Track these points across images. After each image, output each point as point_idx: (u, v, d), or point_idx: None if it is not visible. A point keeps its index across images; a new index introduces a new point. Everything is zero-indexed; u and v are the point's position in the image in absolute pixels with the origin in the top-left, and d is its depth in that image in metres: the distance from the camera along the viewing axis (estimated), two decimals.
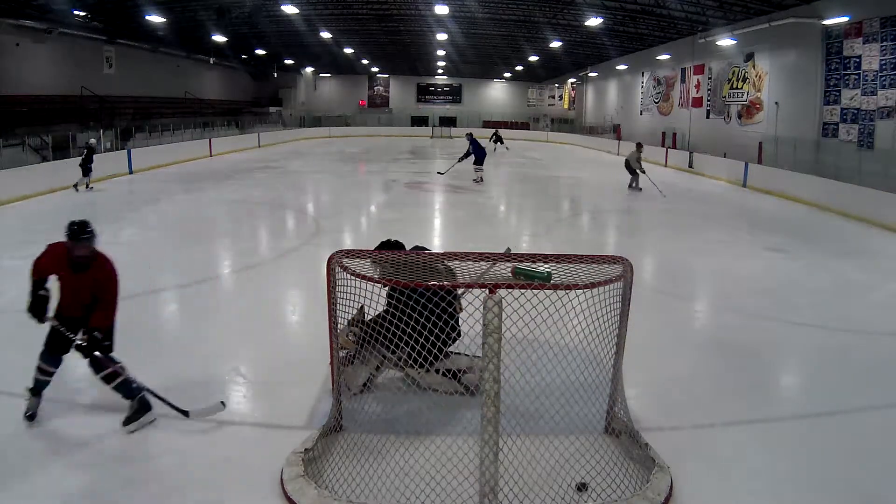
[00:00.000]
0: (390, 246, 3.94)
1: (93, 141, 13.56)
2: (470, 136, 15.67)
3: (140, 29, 21.95)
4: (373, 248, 3.96)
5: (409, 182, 15.84)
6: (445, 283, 3.18)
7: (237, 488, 3.00)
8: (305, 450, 3.16)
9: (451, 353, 3.85)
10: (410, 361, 3.57)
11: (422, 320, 3.08)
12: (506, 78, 42.96)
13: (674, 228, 10.69)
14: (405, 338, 3.13)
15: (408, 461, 3.04)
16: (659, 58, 23.83)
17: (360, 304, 3.31)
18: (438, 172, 16.34)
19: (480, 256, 3.35)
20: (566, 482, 2.97)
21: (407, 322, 3.10)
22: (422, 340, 3.07)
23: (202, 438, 3.46)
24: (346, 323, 3.61)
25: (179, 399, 3.87)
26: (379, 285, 3.08)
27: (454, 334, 3.58)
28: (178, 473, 3.10)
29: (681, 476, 3.08)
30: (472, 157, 15.07)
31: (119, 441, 3.39)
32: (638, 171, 14.54)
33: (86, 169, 12.82)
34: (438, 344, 3.11)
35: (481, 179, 15.10)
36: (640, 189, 14.34)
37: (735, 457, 3.36)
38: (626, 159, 15.06)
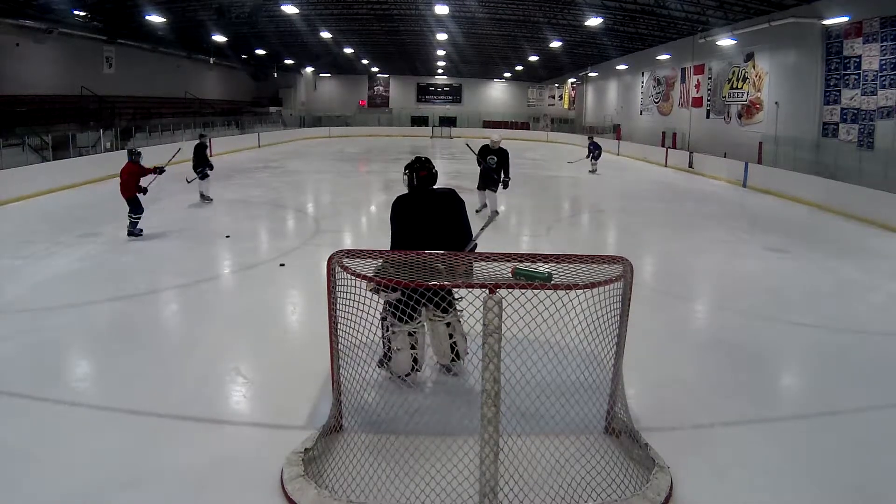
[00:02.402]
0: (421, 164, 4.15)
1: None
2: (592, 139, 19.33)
3: (140, 29, 21.94)
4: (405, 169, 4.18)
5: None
6: (445, 283, 3.18)
7: (237, 488, 2.99)
8: (305, 450, 3.16)
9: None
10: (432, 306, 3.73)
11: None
12: (506, 78, 42.95)
13: (674, 228, 10.68)
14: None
15: (408, 461, 3.05)
16: (659, 58, 23.83)
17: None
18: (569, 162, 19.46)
19: (481, 256, 3.35)
20: (566, 482, 2.97)
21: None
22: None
23: (202, 438, 3.46)
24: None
25: (179, 398, 3.89)
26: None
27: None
28: (178, 473, 3.10)
29: (681, 476, 3.08)
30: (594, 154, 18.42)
31: (118, 441, 3.39)
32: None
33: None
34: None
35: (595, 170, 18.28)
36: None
37: (735, 457, 3.36)
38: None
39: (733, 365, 4.65)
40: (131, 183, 8.38)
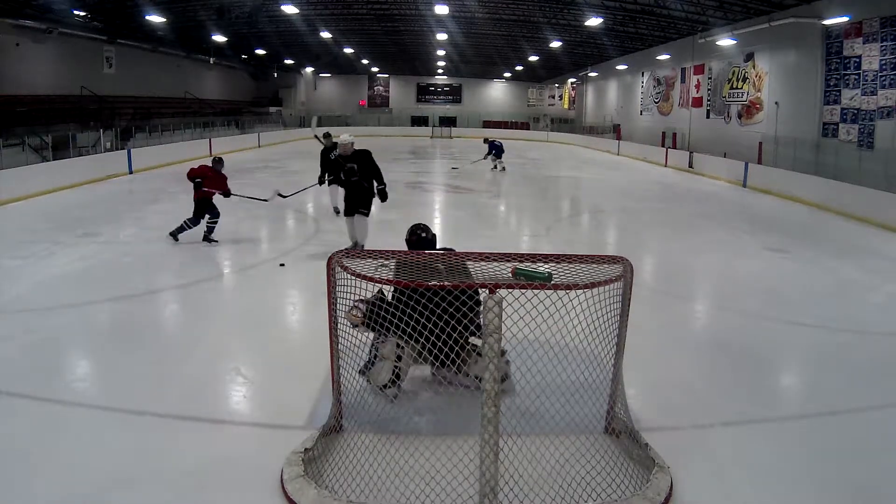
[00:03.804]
0: (420, 241, 4.18)
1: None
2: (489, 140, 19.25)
3: (140, 29, 21.95)
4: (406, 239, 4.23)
5: (409, 182, 15.84)
6: (446, 283, 3.17)
7: (237, 488, 2.99)
8: (305, 450, 3.16)
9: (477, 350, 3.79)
10: (438, 361, 3.43)
11: (430, 315, 3.05)
12: (506, 78, 42.95)
13: (674, 228, 10.68)
14: (418, 331, 3.12)
15: (408, 461, 3.04)
16: (659, 58, 23.83)
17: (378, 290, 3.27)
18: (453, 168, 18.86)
19: (481, 256, 3.35)
20: (566, 482, 2.97)
21: (418, 318, 3.09)
22: (437, 333, 3.04)
23: (202, 438, 3.46)
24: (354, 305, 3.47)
25: (179, 398, 3.88)
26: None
27: (472, 327, 3.44)
28: (178, 473, 3.10)
29: (681, 476, 3.08)
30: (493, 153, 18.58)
31: (118, 441, 3.39)
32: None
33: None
34: (460, 341, 3.07)
35: (503, 168, 18.42)
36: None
37: (735, 457, 3.36)
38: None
39: (733, 365, 4.65)
40: (214, 185, 8.13)
